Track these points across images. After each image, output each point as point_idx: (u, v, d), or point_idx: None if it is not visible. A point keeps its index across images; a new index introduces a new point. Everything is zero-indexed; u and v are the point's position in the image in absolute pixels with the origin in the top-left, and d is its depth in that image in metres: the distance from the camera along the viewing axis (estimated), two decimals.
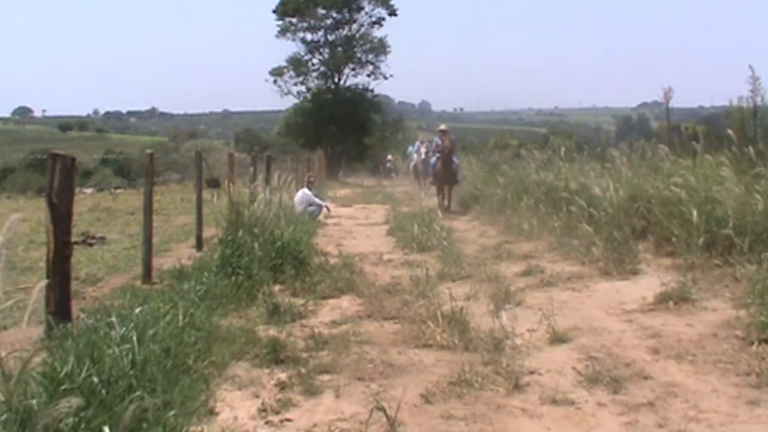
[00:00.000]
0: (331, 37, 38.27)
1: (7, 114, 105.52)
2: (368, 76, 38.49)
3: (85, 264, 7.52)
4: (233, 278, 6.12)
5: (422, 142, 20.47)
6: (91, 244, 9.29)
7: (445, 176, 14.76)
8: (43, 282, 3.65)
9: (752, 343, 4.26)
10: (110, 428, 2.64)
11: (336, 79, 38.50)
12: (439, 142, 15.28)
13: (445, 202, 14.85)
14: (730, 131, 7.27)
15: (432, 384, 3.86)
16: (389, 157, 34.37)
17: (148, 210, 7.07)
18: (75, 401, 2.57)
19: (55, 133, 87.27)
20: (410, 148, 23.96)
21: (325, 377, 4.03)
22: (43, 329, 4.13)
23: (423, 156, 19.18)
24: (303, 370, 4.07)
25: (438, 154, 15.08)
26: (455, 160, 15.11)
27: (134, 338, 3.54)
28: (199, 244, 8.77)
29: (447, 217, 12.65)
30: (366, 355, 4.43)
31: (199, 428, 3.20)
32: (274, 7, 37.98)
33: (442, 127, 15.83)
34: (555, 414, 3.49)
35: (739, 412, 3.42)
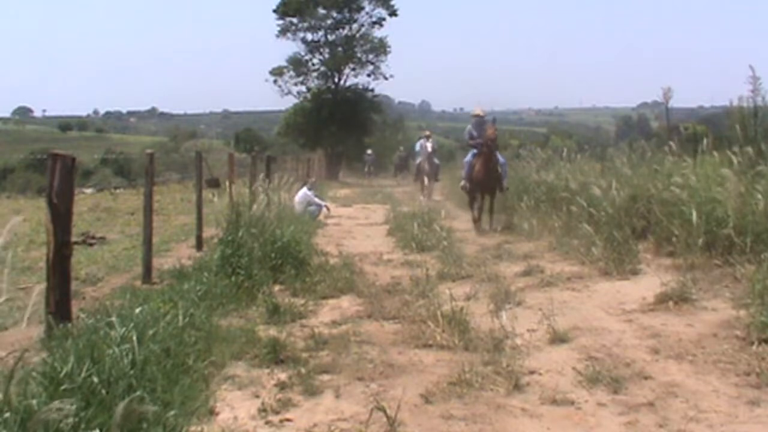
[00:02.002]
0: (331, 37, 38.30)
1: (7, 114, 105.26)
2: (368, 76, 38.56)
3: (85, 264, 7.52)
4: (233, 278, 6.12)
5: (427, 138, 18.68)
6: (91, 244, 9.29)
7: (486, 181, 10.60)
8: (39, 286, 3.65)
9: (752, 343, 4.26)
10: (107, 429, 2.64)
11: (336, 79, 38.52)
12: (474, 132, 11.16)
13: (482, 218, 10.75)
14: (738, 128, 7.26)
15: (432, 384, 3.86)
16: (399, 152, 32.54)
17: (148, 210, 7.07)
18: (69, 405, 2.57)
19: (55, 133, 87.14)
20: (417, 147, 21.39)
21: (325, 377, 4.03)
22: (43, 329, 4.13)
23: (429, 152, 17.53)
24: (303, 370, 4.07)
25: (475, 150, 10.98)
26: (501, 158, 10.97)
27: (134, 338, 3.54)
28: (199, 244, 8.77)
29: (450, 219, 12.16)
30: (366, 355, 4.43)
31: (199, 428, 3.20)
32: (274, 7, 38.06)
33: (478, 111, 11.50)
34: (555, 414, 3.49)
35: (739, 412, 3.42)
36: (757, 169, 6.68)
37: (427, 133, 20.12)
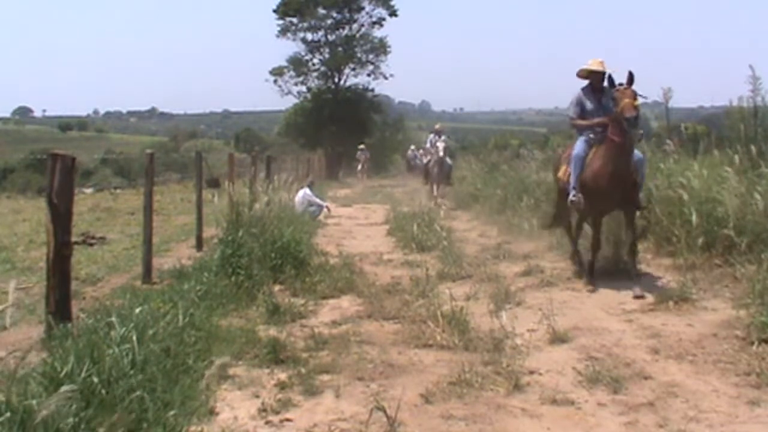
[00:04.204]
0: (331, 37, 38.27)
1: (7, 114, 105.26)
2: (368, 76, 38.51)
3: (85, 264, 7.52)
4: (233, 278, 6.12)
5: (438, 134, 16.19)
6: (91, 244, 9.28)
7: (614, 189, 6.04)
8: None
9: (752, 343, 4.26)
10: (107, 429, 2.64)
11: (336, 79, 38.50)
12: (589, 104, 6.47)
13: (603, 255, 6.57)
14: (742, 126, 7.23)
15: (432, 384, 3.86)
16: (410, 150, 29.79)
17: (148, 210, 7.07)
18: (70, 389, 2.57)
19: (55, 133, 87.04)
20: (428, 144, 17.81)
21: (325, 377, 4.03)
22: (43, 329, 4.13)
23: (440, 153, 15.39)
24: (303, 370, 4.07)
25: (590, 134, 6.39)
26: (640, 155, 6.40)
27: (134, 338, 3.54)
28: (199, 244, 8.77)
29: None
30: (366, 355, 4.43)
31: (199, 428, 3.20)
32: (274, 7, 38.04)
33: (595, 65, 6.44)
34: (555, 414, 3.49)
35: (739, 412, 3.43)
36: (758, 171, 6.67)
37: (438, 126, 17.00)
